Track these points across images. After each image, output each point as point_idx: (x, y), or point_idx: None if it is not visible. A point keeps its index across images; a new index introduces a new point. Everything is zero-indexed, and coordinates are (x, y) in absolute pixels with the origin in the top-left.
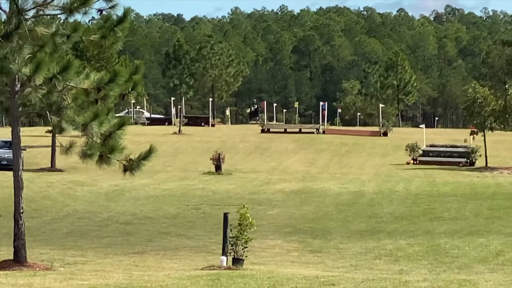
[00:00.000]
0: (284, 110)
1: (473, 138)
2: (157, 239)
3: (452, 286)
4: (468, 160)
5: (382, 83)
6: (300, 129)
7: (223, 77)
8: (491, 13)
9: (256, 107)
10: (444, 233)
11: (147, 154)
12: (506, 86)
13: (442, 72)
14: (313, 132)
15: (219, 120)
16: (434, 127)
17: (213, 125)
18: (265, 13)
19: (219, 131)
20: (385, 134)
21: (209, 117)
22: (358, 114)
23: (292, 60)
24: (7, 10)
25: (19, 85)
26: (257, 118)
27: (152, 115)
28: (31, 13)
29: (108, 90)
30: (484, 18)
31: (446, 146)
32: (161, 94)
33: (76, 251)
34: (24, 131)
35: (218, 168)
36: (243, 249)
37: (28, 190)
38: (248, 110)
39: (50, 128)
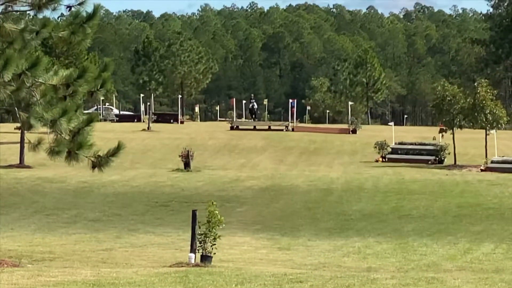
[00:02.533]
0: None
1: (442, 136)
2: (125, 236)
3: (420, 283)
4: (437, 158)
5: (351, 80)
6: (269, 127)
7: (192, 74)
8: (460, 11)
9: (252, 104)
10: (412, 231)
11: (116, 151)
12: (475, 84)
13: (411, 70)
14: (282, 130)
15: (188, 117)
16: (403, 125)
17: (182, 122)
18: (235, 10)
19: (188, 128)
20: (354, 131)
21: (178, 114)
22: (327, 111)
23: (261, 57)
24: None
25: None
26: (254, 116)
27: (121, 112)
28: None
29: (77, 87)
30: (454, 16)
31: (415, 144)
32: (130, 91)
33: (44, 247)
34: None
35: (187, 165)
36: (211, 246)
37: None
38: (250, 106)
39: (18, 124)
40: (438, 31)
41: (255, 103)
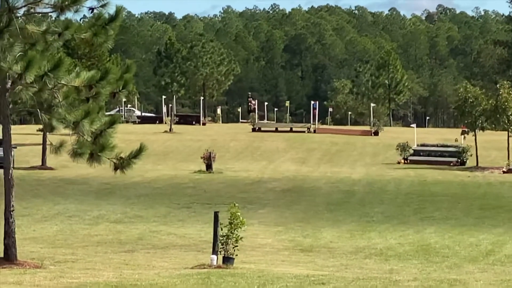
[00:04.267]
0: (275, 109)
1: (464, 137)
2: (147, 238)
3: (442, 285)
4: (459, 160)
5: (374, 82)
6: (291, 128)
7: (214, 76)
8: (482, 13)
9: (250, 103)
10: (434, 233)
11: (138, 153)
12: (497, 85)
13: (434, 72)
14: (304, 131)
15: (210, 118)
16: (425, 127)
17: (204, 124)
18: (257, 11)
19: (210, 130)
20: (376, 133)
21: (200, 115)
22: (349, 113)
23: (283, 59)
24: None
25: (10, 83)
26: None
27: (143, 114)
28: (22, 10)
29: (99, 88)
30: (476, 18)
31: (437, 146)
32: (152, 93)
33: (67, 249)
34: (15, 129)
35: (209, 167)
36: (233, 248)
37: (19, 188)
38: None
39: (41, 126)
40: (460, 33)
41: (253, 102)
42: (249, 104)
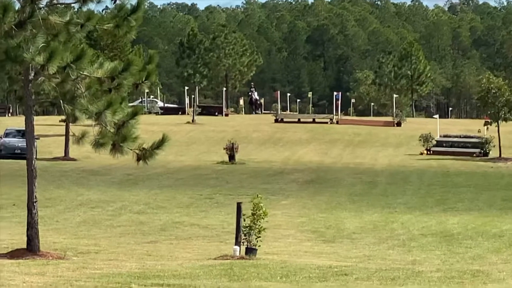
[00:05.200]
0: (298, 100)
1: (487, 128)
2: (170, 229)
3: (465, 276)
4: (482, 151)
5: (396, 73)
6: (313, 119)
7: (237, 67)
8: (505, 3)
9: (250, 94)
10: (457, 224)
11: (160, 144)
12: None
13: (456, 62)
14: (326, 122)
15: (232, 109)
16: (448, 118)
17: (226, 115)
18: (279, 2)
19: (232, 121)
20: (398, 124)
21: (222, 106)
22: (372, 104)
23: (306, 50)
24: None
25: (32, 74)
26: (255, 108)
27: (166, 105)
28: (44, 2)
29: (122, 79)
30: (499, 9)
31: (460, 137)
32: (175, 84)
33: (89, 240)
34: (37, 120)
35: (231, 157)
36: (256, 238)
37: (42, 179)
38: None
39: (63, 117)
40: (483, 23)
41: (255, 93)
42: (250, 95)
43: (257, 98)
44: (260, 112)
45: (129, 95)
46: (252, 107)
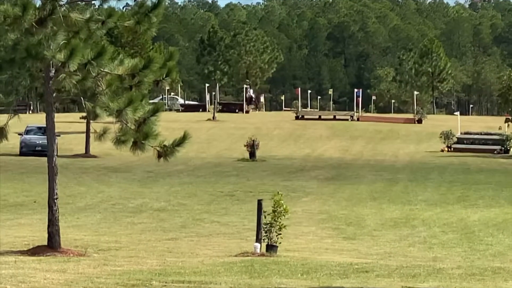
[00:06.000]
0: (319, 97)
1: (508, 125)
2: (191, 226)
3: (486, 273)
4: (503, 148)
5: (417, 70)
6: (334, 116)
7: (257, 64)
8: None
9: (247, 90)
10: (478, 221)
11: (181, 141)
12: None
13: (477, 59)
14: (347, 119)
15: (253, 106)
16: (468, 115)
17: (247, 112)
18: None
19: (253, 118)
20: (419, 121)
21: (243, 103)
22: (393, 101)
23: (326, 47)
24: None
25: (53, 71)
26: (252, 104)
27: (187, 102)
28: None
29: (143, 77)
30: None
31: (481, 134)
32: (196, 81)
33: (110, 237)
34: (58, 117)
35: (252, 154)
36: (277, 235)
37: (62, 176)
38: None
39: (84, 114)
40: (504, 20)
41: (250, 91)
42: (246, 92)
43: (253, 95)
44: (257, 110)
45: (150, 92)
46: (248, 105)
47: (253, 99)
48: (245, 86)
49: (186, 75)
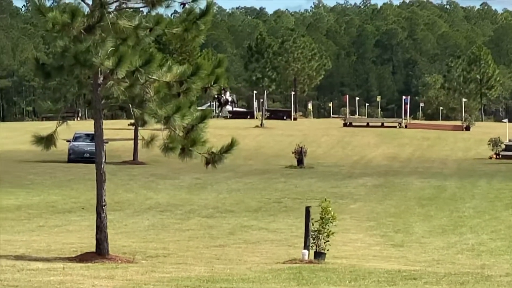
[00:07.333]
0: (367, 104)
1: None
2: (238, 232)
3: None
4: None
5: (465, 77)
6: (382, 123)
7: (305, 71)
8: None
9: (221, 95)
10: None
11: (229, 147)
12: None
13: None
14: (395, 126)
15: (301, 113)
16: None
17: (295, 119)
18: (348, 6)
19: (301, 125)
20: (467, 128)
21: (291, 110)
22: (441, 108)
23: (374, 54)
24: (90, 3)
25: (101, 78)
26: (221, 109)
27: (234, 109)
28: (113, 6)
29: (191, 84)
30: None
31: None
32: (243, 88)
33: (158, 244)
34: (106, 124)
35: (300, 161)
36: (325, 242)
37: (110, 183)
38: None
39: (132, 121)
40: None
41: (226, 94)
42: (221, 96)
43: (228, 99)
44: (228, 111)
45: (198, 98)
46: (220, 107)
47: (229, 102)
48: (221, 90)
49: (234, 82)
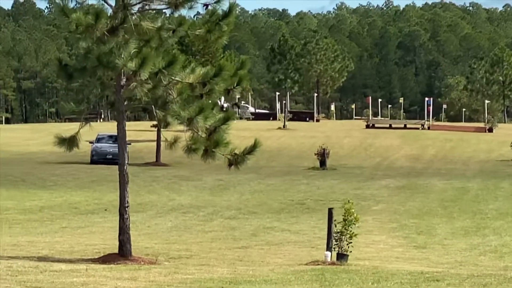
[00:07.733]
0: (389, 106)
1: None
2: (261, 234)
3: None
4: None
5: (488, 79)
6: (405, 125)
7: (328, 73)
8: None
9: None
10: None
11: (252, 149)
12: None
13: None
14: (418, 128)
15: (323, 115)
16: None
17: (317, 120)
18: (370, 8)
19: (323, 126)
20: (490, 130)
21: (313, 112)
22: (464, 109)
23: (397, 56)
24: (113, 5)
25: (124, 80)
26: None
27: (257, 110)
28: (136, 7)
29: (213, 85)
30: None
31: None
32: (266, 89)
33: (181, 245)
34: (129, 125)
35: (322, 163)
36: (347, 244)
37: (133, 184)
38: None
39: (155, 122)
40: None
41: (222, 99)
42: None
43: (224, 105)
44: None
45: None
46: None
47: (224, 109)
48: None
49: (256, 83)
